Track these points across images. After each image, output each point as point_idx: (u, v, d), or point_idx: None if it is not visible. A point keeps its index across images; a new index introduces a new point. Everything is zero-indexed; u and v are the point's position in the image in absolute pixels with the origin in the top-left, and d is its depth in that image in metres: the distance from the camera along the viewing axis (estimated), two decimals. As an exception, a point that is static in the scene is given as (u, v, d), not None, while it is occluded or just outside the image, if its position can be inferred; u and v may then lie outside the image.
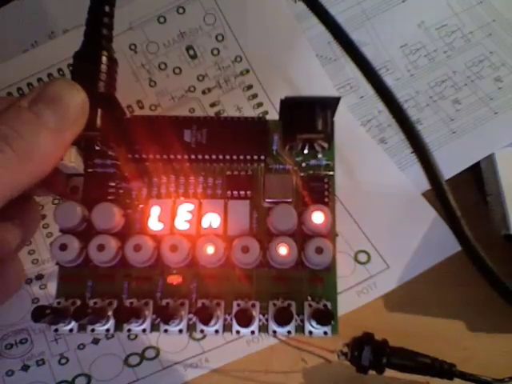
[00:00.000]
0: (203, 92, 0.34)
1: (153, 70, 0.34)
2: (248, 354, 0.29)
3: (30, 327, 0.30)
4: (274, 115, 0.33)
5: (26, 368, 0.30)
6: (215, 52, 0.34)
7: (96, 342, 0.30)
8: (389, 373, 0.27)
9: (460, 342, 0.29)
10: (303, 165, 0.21)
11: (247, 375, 0.29)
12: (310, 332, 0.19)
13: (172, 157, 0.20)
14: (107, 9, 0.20)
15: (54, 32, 0.35)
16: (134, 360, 0.30)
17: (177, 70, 0.34)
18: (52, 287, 0.31)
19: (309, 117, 0.19)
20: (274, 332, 0.19)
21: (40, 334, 0.30)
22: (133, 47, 0.34)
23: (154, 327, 0.19)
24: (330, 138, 0.20)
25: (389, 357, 0.26)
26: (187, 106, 0.34)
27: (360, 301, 0.30)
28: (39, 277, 0.31)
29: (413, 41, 0.34)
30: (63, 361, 0.30)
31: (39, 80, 0.34)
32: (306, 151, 0.21)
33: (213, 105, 0.34)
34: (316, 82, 0.34)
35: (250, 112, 0.33)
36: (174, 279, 0.20)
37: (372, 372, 0.27)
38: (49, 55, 0.34)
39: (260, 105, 0.33)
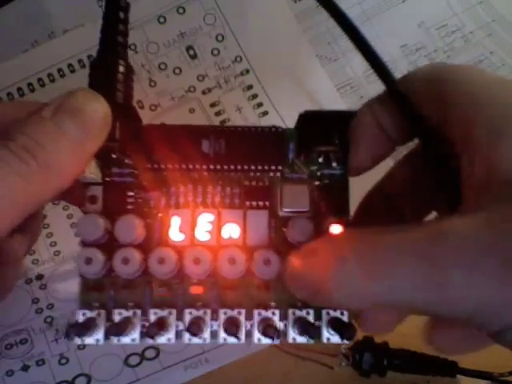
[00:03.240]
0: (203, 92, 0.34)
1: (153, 70, 0.34)
2: (248, 354, 0.29)
3: (30, 327, 0.30)
4: (274, 115, 0.33)
5: (26, 368, 0.30)
6: (215, 52, 0.34)
7: (96, 342, 0.30)
8: (391, 372, 0.27)
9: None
10: (318, 174, 0.21)
11: (247, 375, 0.29)
12: (328, 339, 0.20)
13: (190, 167, 0.20)
14: (122, 15, 0.19)
15: (53, 32, 0.35)
16: (134, 360, 0.30)
17: (177, 70, 0.34)
18: (52, 287, 0.31)
19: (326, 130, 0.20)
20: (294, 339, 0.20)
21: (40, 334, 0.30)
22: (133, 47, 0.34)
23: (178, 335, 0.19)
24: (345, 150, 0.20)
25: (390, 359, 0.26)
26: (187, 106, 0.34)
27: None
28: (39, 277, 0.31)
29: (413, 41, 0.34)
30: (63, 361, 0.30)
31: (39, 80, 0.34)
32: (320, 160, 0.21)
33: (213, 105, 0.34)
34: (316, 82, 0.34)
35: (250, 112, 0.33)
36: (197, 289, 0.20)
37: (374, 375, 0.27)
38: (49, 55, 0.34)
39: (260, 105, 0.33)
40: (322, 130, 0.20)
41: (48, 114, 0.17)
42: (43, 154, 0.16)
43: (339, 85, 0.34)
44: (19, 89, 0.34)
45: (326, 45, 0.34)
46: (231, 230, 0.20)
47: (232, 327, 0.19)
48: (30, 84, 0.34)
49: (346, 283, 0.15)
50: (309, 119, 0.20)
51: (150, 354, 0.30)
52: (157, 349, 0.30)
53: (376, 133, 0.19)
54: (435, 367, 0.27)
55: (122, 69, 0.19)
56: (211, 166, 0.20)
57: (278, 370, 0.29)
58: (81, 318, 0.19)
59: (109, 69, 0.19)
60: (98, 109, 0.17)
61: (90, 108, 0.17)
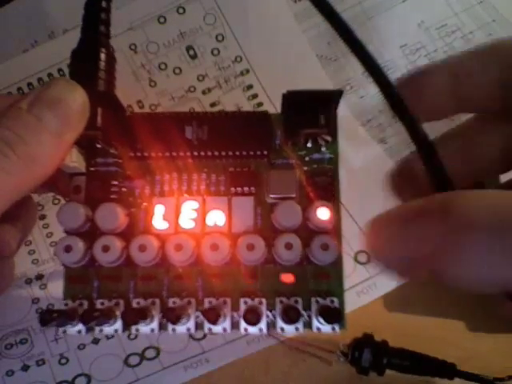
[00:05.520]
0: (203, 92, 0.34)
1: (153, 69, 0.34)
2: (248, 353, 0.29)
3: (30, 327, 0.30)
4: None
5: (26, 368, 0.30)
6: (215, 52, 0.34)
7: (96, 341, 0.30)
8: (389, 372, 0.27)
9: (460, 342, 0.29)
10: (306, 159, 0.21)
11: (247, 375, 0.29)
12: (318, 328, 0.19)
13: (174, 154, 0.20)
14: (104, 4, 0.19)
15: (53, 32, 0.35)
16: (134, 360, 0.30)
17: (177, 70, 0.34)
18: (52, 287, 0.31)
19: (312, 111, 0.19)
20: (282, 329, 0.19)
21: (40, 334, 0.30)
22: (133, 47, 0.34)
23: (162, 326, 0.19)
24: (333, 131, 0.20)
25: (389, 358, 0.26)
26: (187, 106, 0.34)
27: (360, 301, 0.30)
28: (39, 277, 0.31)
29: (413, 41, 0.34)
30: (63, 361, 0.30)
31: (39, 80, 0.34)
32: (309, 145, 0.20)
33: (213, 105, 0.34)
34: (316, 82, 0.34)
35: (250, 112, 0.33)
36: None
37: (373, 373, 0.27)
38: (49, 55, 0.34)
39: (260, 105, 0.33)
40: (307, 110, 0.19)
41: (25, 105, 0.17)
42: (22, 145, 0.16)
43: (339, 85, 0.34)
44: (19, 89, 0.34)
45: (325, 45, 0.34)
46: (216, 218, 0.20)
47: (212, 315, 0.18)
48: (29, 84, 0.34)
49: (475, 263, 0.12)
50: (292, 99, 0.19)
51: (149, 353, 0.30)
52: (157, 349, 0.30)
53: (452, 83, 0.17)
54: (434, 368, 0.27)
55: (103, 57, 0.19)
56: (195, 153, 0.20)
57: (278, 369, 0.29)
58: (61, 308, 0.19)
59: (89, 57, 0.19)
60: (76, 98, 0.17)
61: (68, 97, 0.17)
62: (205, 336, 0.29)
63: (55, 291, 0.31)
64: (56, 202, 0.32)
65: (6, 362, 0.30)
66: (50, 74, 0.34)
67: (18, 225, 0.22)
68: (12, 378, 0.30)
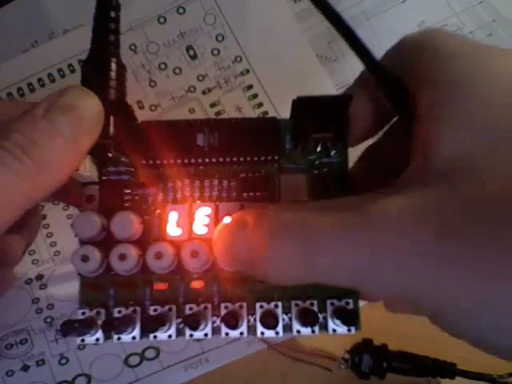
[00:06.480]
0: (203, 92, 0.34)
1: (153, 70, 0.34)
2: (248, 354, 0.29)
3: (30, 327, 0.30)
4: (274, 115, 0.33)
5: (26, 368, 0.30)
6: (215, 52, 0.34)
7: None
8: (390, 374, 0.27)
9: (460, 341, 0.29)
10: (316, 163, 0.21)
11: (247, 375, 0.29)
12: (334, 330, 0.19)
13: (186, 161, 0.20)
14: (113, 14, 0.19)
15: (53, 32, 0.35)
16: (134, 360, 0.30)
17: (177, 70, 0.34)
18: (52, 287, 0.31)
19: (322, 116, 0.19)
20: (298, 332, 0.19)
21: (40, 334, 0.30)
22: (133, 47, 0.34)
23: (180, 332, 0.19)
24: (343, 136, 0.20)
25: (389, 361, 0.26)
26: (187, 106, 0.34)
27: (360, 301, 0.30)
28: (39, 277, 0.31)
29: (413, 41, 0.34)
30: (63, 361, 0.30)
31: (39, 80, 0.34)
32: (318, 149, 0.21)
33: (213, 105, 0.34)
34: (316, 82, 0.34)
35: (250, 112, 0.33)
36: (197, 284, 0.20)
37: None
38: (49, 55, 0.34)
39: (260, 105, 0.33)
40: (317, 116, 0.19)
41: (41, 111, 0.17)
42: (37, 151, 0.16)
43: (339, 85, 0.34)
44: (19, 89, 0.34)
45: (325, 45, 0.34)
46: None
47: (231, 320, 0.18)
48: (29, 84, 0.34)
49: (279, 261, 0.15)
50: (302, 105, 0.19)
51: (149, 353, 0.30)
52: (157, 349, 0.30)
53: (370, 105, 0.19)
54: (434, 369, 0.27)
55: (113, 67, 0.19)
56: (206, 160, 0.20)
57: (278, 370, 0.29)
58: (80, 317, 0.19)
59: (100, 67, 0.19)
60: (91, 105, 0.17)
61: (83, 104, 0.17)
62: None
63: (55, 291, 0.31)
64: (56, 202, 0.32)
65: (5, 362, 0.30)
66: (49, 74, 0.34)
67: (23, 233, 0.22)
68: (12, 377, 0.30)
